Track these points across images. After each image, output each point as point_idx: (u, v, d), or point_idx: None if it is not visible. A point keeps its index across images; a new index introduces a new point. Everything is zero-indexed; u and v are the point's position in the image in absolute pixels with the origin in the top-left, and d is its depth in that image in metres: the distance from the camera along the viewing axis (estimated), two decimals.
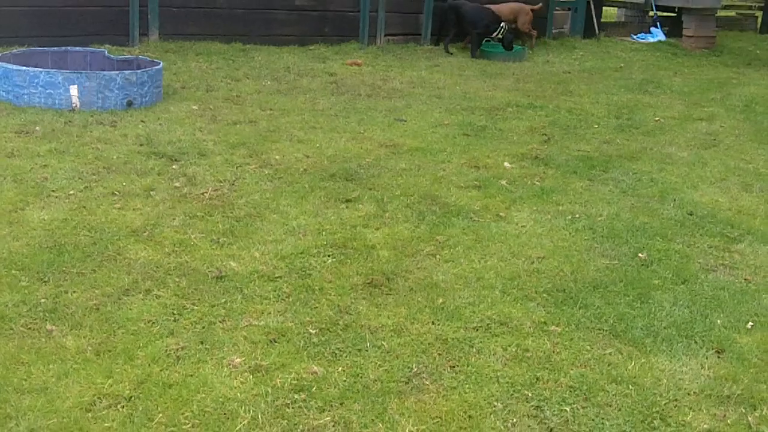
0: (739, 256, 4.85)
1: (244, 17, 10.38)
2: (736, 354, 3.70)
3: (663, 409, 3.26)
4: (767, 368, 3.60)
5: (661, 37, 13.64)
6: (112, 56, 7.92)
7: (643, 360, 3.60)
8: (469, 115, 7.86)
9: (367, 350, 3.51)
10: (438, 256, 4.51)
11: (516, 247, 4.71)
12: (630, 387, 3.38)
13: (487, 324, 3.80)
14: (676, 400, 3.33)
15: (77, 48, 8.06)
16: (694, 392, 3.39)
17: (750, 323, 4.00)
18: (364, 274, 4.21)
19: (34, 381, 3.13)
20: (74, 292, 3.80)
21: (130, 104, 6.97)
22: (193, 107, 7.25)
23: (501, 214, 5.21)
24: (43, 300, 3.69)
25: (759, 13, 17.32)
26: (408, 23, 11.69)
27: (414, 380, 3.32)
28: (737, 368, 3.58)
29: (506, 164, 6.28)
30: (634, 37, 13.85)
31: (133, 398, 3.06)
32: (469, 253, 4.58)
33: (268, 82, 8.59)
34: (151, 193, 5.10)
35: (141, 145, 6.02)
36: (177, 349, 3.40)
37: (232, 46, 9.97)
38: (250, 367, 3.31)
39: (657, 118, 8.35)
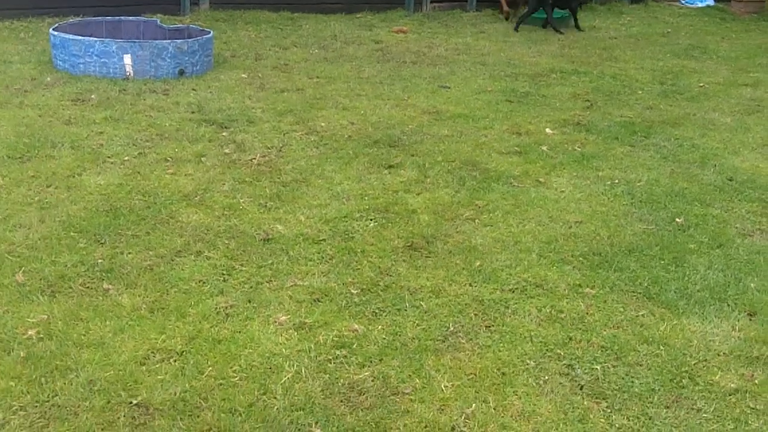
0: None
1: None
2: (767, 317, 3.79)
3: (692, 369, 3.37)
4: None
5: (710, 1, 13.50)
6: (164, 25, 8.11)
7: (675, 322, 3.70)
8: (513, 81, 7.93)
9: (405, 310, 3.66)
10: (477, 221, 4.63)
11: (554, 211, 4.82)
12: (661, 347, 3.50)
13: (523, 286, 3.93)
14: (705, 360, 3.43)
15: (131, 17, 8.26)
16: (723, 353, 3.49)
17: None
18: (404, 237, 4.36)
19: (92, 336, 3.33)
20: (129, 253, 4.00)
21: (181, 73, 7.15)
22: (243, 75, 7.42)
23: (540, 179, 5.32)
24: (100, 261, 3.90)
25: None
26: None
27: (450, 339, 3.47)
28: None
29: (548, 130, 6.36)
30: (683, 1, 13.72)
31: (184, 353, 3.25)
32: (508, 217, 4.70)
33: (316, 50, 8.73)
34: (202, 159, 5.29)
35: (192, 112, 6.20)
36: (226, 307, 3.58)
37: (280, 15, 10.12)
38: (294, 324, 3.49)
39: (701, 84, 8.34)
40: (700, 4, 13.48)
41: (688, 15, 12.69)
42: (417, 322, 3.57)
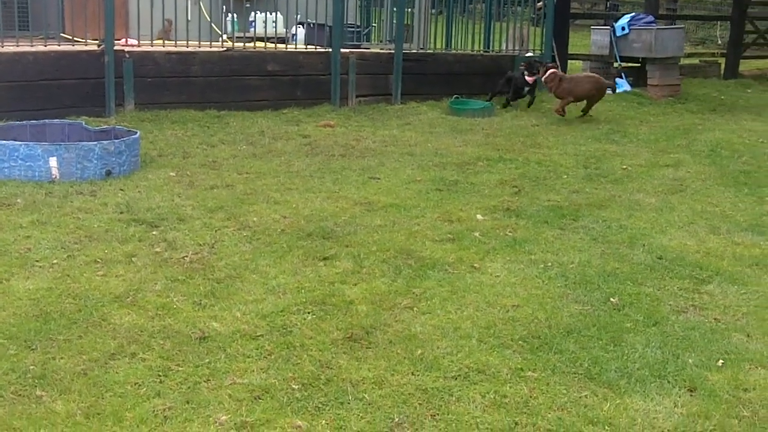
0: (709, 296, 5.00)
1: (218, 84, 10.56)
2: (707, 391, 3.82)
3: None
4: (738, 404, 3.72)
5: (627, 87, 13.94)
6: (89, 127, 8.05)
7: (618, 401, 3.71)
8: (441, 170, 8.04)
9: (349, 403, 3.60)
10: (415, 309, 4.62)
11: (491, 296, 4.84)
12: (606, 428, 3.49)
13: (466, 372, 3.90)
14: None
15: (55, 120, 8.19)
16: (668, 430, 3.50)
17: (720, 361, 4.13)
18: (343, 329, 4.32)
19: None
20: (62, 358, 3.88)
21: (108, 174, 7.09)
22: (171, 174, 7.37)
23: (475, 265, 5.35)
24: (32, 367, 3.77)
25: (722, 60, 17.75)
26: (378, 84, 11.93)
27: (396, 430, 3.41)
28: (709, 405, 3.70)
29: (479, 217, 6.43)
30: None
31: None
32: (446, 304, 4.70)
33: (244, 147, 8.75)
34: (133, 259, 5.20)
35: (121, 212, 6.12)
36: (164, 410, 3.47)
37: (206, 113, 10.13)
38: (235, 423, 3.39)
39: (624, 167, 8.56)
40: (617, 90, 13.89)
41: (606, 101, 12.98)
42: (361, 414, 3.51)
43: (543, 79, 11.51)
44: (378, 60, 12.02)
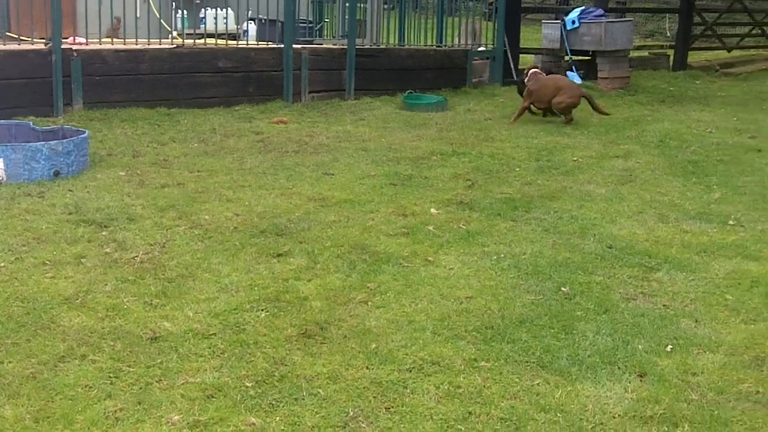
0: (657, 284, 5.06)
1: (168, 82, 10.47)
2: (657, 376, 3.87)
3: None
4: (687, 388, 3.78)
5: (578, 80, 14.02)
6: (37, 127, 7.94)
7: (569, 388, 3.75)
8: (395, 165, 8.04)
9: (303, 399, 3.59)
10: (370, 303, 4.62)
11: (445, 289, 4.86)
12: (558, 414, 3.53)
13: (420, 365, 3.92)
14: (602, 423, 3.47)
15: (1, 121, 8.06)
16: (618, 415, 3.54)
17: (669, 346, 4.19)
18: (297, 325, 4.31)
19: None
20: (10, 362, 3.82)
21: (57, 174, 6.99)
22: (121, 173, 7.30)
23: (429, 258, 5.36)
24: None
25: (671, 52, 17.95)
26: (332, 80, 11.91)
27: (351, 424, 3.41)
28: (659, 389, 3.75)
29: (432, 210, 6.45)
30: None
31: None
32: (400, 297, 4.71)
33: (195, 145, 8.68)
34: (82, 260, 5.14)
35: (70, 213, 6.05)
36: (115, 411, 3.44)
37: (157, 111, 10.04)
38: (188, 423, 3.37)
39: (575, 158, 8.63)
40: None
41: None
42: (316, 410, 3.50)
43: (527, 81, 10.86)
44: (331, 55, 12.00)
